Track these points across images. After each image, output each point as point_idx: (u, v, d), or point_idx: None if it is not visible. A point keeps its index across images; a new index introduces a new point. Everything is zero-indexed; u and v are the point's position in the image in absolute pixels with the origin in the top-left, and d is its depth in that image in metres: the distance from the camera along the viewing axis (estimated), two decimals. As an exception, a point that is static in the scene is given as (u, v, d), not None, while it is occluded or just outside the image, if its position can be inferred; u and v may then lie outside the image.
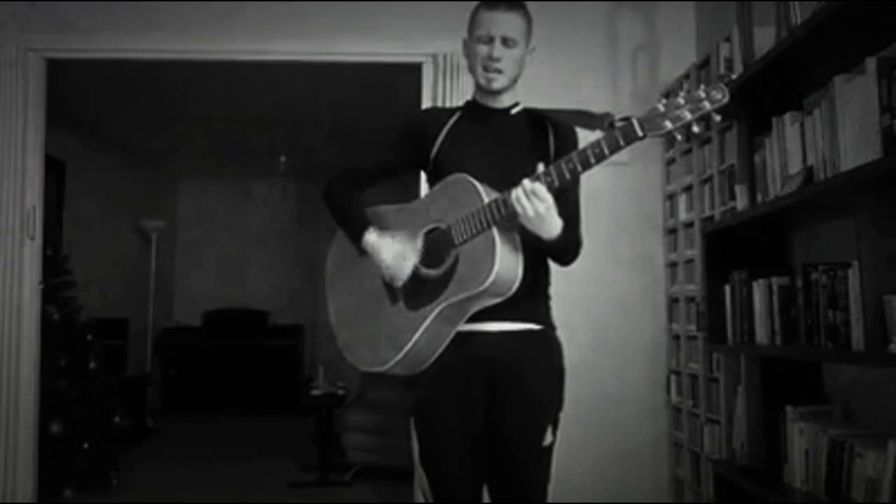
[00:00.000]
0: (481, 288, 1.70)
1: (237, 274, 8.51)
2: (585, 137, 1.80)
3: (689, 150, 3.29)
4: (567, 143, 1.90)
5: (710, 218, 2.99)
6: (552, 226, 1.71)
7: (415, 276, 1.84)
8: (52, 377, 3.99)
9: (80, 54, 3.74)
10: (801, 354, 2.21)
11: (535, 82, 2.22)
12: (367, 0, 3.63)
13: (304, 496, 4.53)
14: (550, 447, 1.88)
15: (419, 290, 1.82)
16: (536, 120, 1.96)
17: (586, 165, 1.64)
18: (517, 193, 1.67)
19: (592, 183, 2.07)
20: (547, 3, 3.07)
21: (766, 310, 2.28)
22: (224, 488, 4.65)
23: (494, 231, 1.71)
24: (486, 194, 1.74)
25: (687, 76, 3.29)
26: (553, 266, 1.93)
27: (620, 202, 3.57)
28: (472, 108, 1.99)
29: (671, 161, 3.51)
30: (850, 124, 1.84)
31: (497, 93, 1.93)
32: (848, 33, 1.92)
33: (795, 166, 2.14)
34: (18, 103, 3.57)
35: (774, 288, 2.24)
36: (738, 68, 2.63)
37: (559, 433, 1.89)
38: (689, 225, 3.27)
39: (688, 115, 1.56)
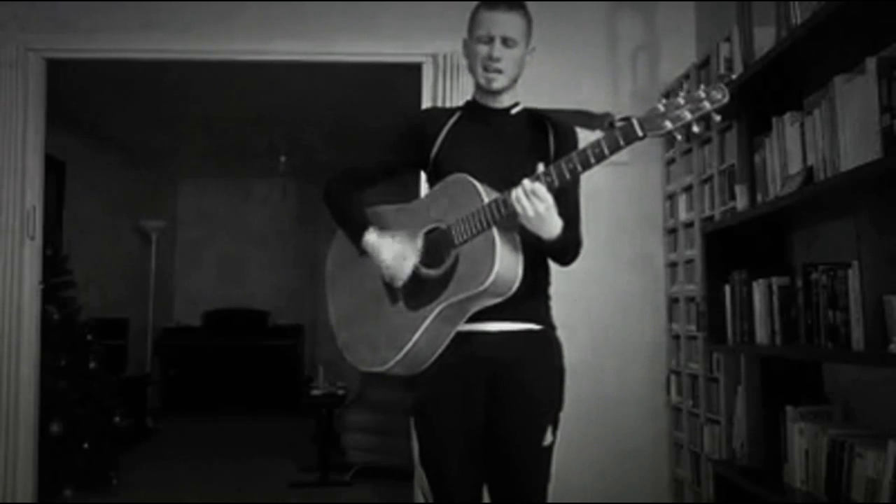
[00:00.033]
0: (481, 288, 1.70)
1: (237, 274, 8.51)
2: (585, 137, 1.79)
3: (689, 150, 3.29)
4: (567, 143, 1.90)
5: (710, 218, 2.99)
6: (552, 226, 1.71)
7: (415, 276, 1.84)
8: (52, 377, 3.99)
9: (80, 54, 3.74)
10: (801, 354, 2.21)
11: (535, 82, 2.21)
12: (367, 0, 3.64)
13: (304, 496, 4.53)
14: (550, 447, 1.88)
15: (419, 290, 1.82)
16: (536, 120, 1.96)
17: (586, 165, 1.64)
18: (517, 193, 1.67)
19: (592, 183, 2.07)
20: (547, 3, 3.07)
21: (766, 310, 2.28)
22: (224, 488, 4.65)
23: (494, 231, 1.71)
24: (486, 194, 1.74)
25: (687, 76, 3.29)
26: (553, 266, 1.93)
27: (620, 202, 3.56)
28: (472, 107, 1.98)
29: (671, 161, 3.51)
30: (850, 124, 1.84)
31: (497, 93, 1.93)
32: (848, 33, 1.92)
33: (795, 166, 2.14)
34: (18, 103, 3.57)
35: (774, 288, 2.24)
36: (738, 68, 2.62)
37: (559, 433, 1.89)
38: (689, 225, 3.27)
39: (688, 116, 1.56)
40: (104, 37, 3.67)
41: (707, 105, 1.55)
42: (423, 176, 2.52)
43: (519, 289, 1.74)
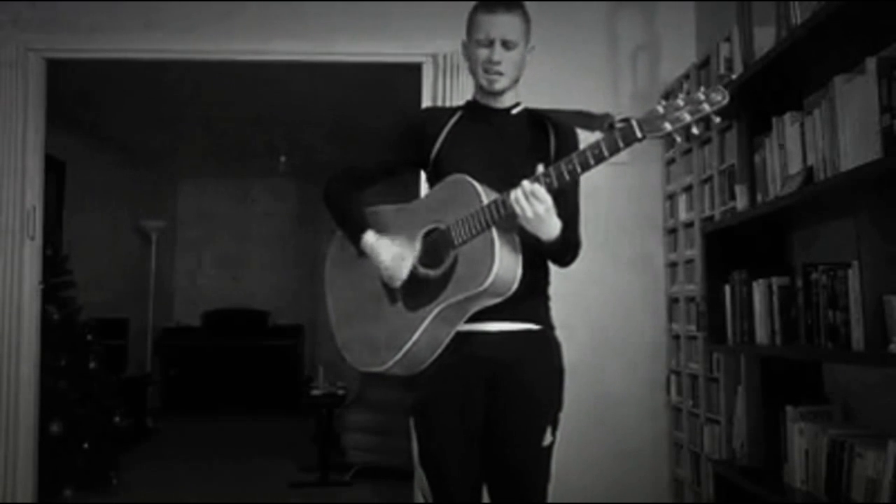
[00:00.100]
0: (480, 288, 1.70)
1: (237, 274, 8.51)
2: (585, 138, 1.79)
3: (689, 151, 3.29)
4: (568, 143, 1.90)
5: (710, 218, 2.99)
6: (551, 227, 1.71)
7: (414, 276, 1.84)
8: (52, 377, 3.99)
9: (80, 54, 3.74)
10: (801, 354, 2.21)
11: (535, 82, 2.21)
12: (368, 0, 3.64)
13: (304, 496, 4.53)
14: (550, 447, 1.88)
15: (418, 291, 1.82)
16: (537, 120, 1.96)
17: (585, 167, 1.64)
18: (516, 194, 1.67)
19: (592, 183, 2.06)
20: (547, 3, 3.07)
21: (766, 310, 2.28)
22: (224, 488, 4.65)
23: (494, 232, 1.71)
24: (486, 195, 1.73)
25: (687, 76, 3.28)
26: (552, 266, 1.93)
27: (620, 202, 3.56)
28: (472, 107, 1.98)
29: (671, 161, 3.51)
30: (850, 124, 1.84)
31: (498, 93, 1.92)
32: (848, 33, 1.92)
33: (795, 166, 2.14)
34: (18, 103, 3.57)
35: (774, 288, 2.24)
36: (738, 68, 2.62)
37: (559, 433, 1.89)
38: (689, 225, 3.27)
39: (687, 117, 1.56)
40: (104, 37, 3.67)
41: (706, 107, 1.55)
42: (423, 176, 2.51)
43: (518, 289, 1.74)
